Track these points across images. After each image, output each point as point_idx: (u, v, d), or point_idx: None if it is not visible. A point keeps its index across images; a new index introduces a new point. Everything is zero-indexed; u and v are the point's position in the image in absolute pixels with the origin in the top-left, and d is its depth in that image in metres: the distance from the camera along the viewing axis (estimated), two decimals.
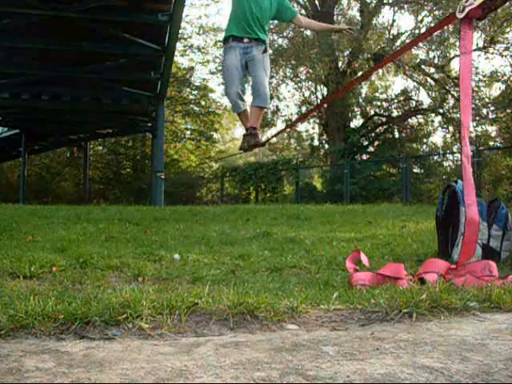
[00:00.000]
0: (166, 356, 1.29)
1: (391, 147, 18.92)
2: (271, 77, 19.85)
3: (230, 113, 28.64)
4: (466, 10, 2.37)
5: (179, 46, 23.97)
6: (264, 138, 4.62)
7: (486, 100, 17.22)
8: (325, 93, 20.04)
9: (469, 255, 2.47)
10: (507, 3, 2.82)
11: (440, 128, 19.81)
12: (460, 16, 2.41)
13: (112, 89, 16.78)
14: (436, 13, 16.33)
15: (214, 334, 1.51)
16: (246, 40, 4.17)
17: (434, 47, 17.36)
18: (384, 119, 20.30)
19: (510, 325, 1.57)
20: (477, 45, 16.92)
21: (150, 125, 19.88)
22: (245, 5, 4.18)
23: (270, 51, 17.60)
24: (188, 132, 29.39)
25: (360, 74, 19.45)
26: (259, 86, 4.17)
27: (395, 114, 20.13)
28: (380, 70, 20.50)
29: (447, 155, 17.25)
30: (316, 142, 22.30)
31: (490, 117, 17.12)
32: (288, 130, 21.88)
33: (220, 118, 28.42)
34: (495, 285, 1.97)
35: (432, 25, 16.79)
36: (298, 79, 19.95)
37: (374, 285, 2.33)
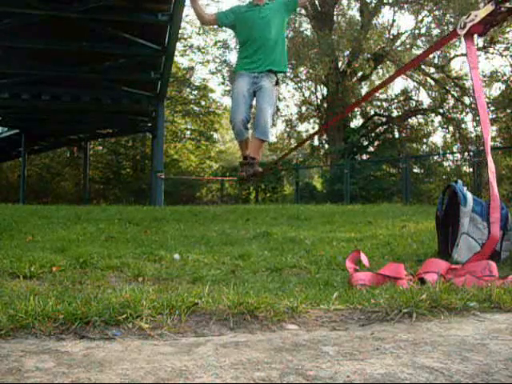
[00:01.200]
0: (166, 356, 1.29)
1: (391, 147, 18.93)
2: None
3: (230, 113, 28.59)
4: (468, 26, 2.36)
5: (179, 46, 24.02)
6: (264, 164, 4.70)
7: (486, 100, 17.21)
8: (325, 93, 20.05)
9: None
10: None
11: (440, 128, 19.83)
12: (462, 32, 2.40)
13: (112, 89, 16.79)
14: (436, 13, 16.34)
15: (214, 334, 1.51)
16: (256, 72, 4.14)
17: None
18: (384, 119, 20.32)
19: (510, 325, 1.57)
20: (477, 45, 16.90)
21: (150, 125, 19.89)
22: (251, 37, 4.12)
23: None
24: (188, 132, 29.40)
25: (360, 74, 19.47)
26: (260, 118, 4.11)
27: (395, 114, 20.16)
28: (380, 70, 20.51)
29: (447, 155, 17.26)
30: (316, 142, 22.33)
31: (490, 117, 17.12)
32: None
33: (220, 118, 28.43)
34: (495, 285, 1.97)
35: (432, 25, 16.83)
36: (298, 79, 19.95)
37: (374, 285, 2.33)
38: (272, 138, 26.20)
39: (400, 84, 49.45)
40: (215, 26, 26.27)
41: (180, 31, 15.83)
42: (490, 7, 2.24)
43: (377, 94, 21.16)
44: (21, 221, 6.05)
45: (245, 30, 4.20)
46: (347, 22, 19.26)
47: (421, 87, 19.41)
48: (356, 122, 20.78)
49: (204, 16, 4.29)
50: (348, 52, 18.63)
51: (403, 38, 18.07)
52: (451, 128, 18.78)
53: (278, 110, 21.54)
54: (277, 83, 4.24)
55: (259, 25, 4.11)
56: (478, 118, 17.09)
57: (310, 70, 18.63)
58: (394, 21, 19.04)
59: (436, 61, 18.09)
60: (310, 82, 20.76)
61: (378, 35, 18.19)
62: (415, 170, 16.26)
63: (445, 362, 1.22)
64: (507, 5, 2.22)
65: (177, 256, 3.55)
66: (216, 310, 1.65)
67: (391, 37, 18.41)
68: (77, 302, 1.64)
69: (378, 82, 21.45)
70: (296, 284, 2.60)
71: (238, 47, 4.45)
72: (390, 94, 20.87)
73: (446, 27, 16.33)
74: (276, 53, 4.18)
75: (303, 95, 21.25)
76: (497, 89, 18.14)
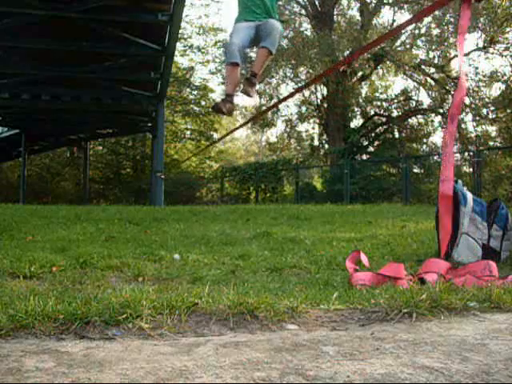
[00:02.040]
0: (166, 356, 1.29)
1: (391, 147, 18.92)
2: (271, 76, 19.85)
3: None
4: None
5: (179, 46, 24.00)
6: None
7: (486, 100, 17.22)
8: (325, 93, 20.04)
9: (447, 231, 2.53)
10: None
11: (440, 128, 19.82)
12: None
13: (112, 89, 16.79)
14: (436, 13, 16.32)
15: (214, 334, 1.51)
16: (257, 21, 4.14)
17: (434, 47, 17.37)
18: (384, 119, 20.30)
19: (510, 325, 1.57)
20: (477, 45, 16.93)
21: (150, 125, 19.89)
22: None
23: None
24: (188, 132, 29.40)
25: (360, 74, 19.47)
26: (272, 31, 3.97)
27: (395, 114, 20.14)
28: (380, 70, 20.50)
29: None
30: (316, 142, 22.31)
31: (490, 117, 17.12)
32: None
33: (220, 119, 28.42)
34: (495, 285, 1.97)
35: (432, 25, 16.82)
36: (298, 79, 19.95)
37: (374, 285, 2.33)
38: (272, 138, 26.21)
39: (400, 84, 49.46)
40: (215, 26, 26.28)
41: (180, 31, 15.82)
42: None
43: (377, 94, 21.16)
44: (21, 221, 6.05)
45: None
46: (347, 21, 19.26)
47: (421, 87, 19.40)
48: (356, 122, 20.78)
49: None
50: (348, 52, 18.62)
51: (403, 37, 18.06)
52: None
53: (277, 110, 21.55)
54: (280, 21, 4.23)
55: None
56: (477, 118, 17.10)
57: (310, 70, 18.62)
58: (394, 21, 19.00)
59: (436, 61, 18.09)
60: None
61: (377, 35, 18.17)
62: (415, 170, 16.25)
63: (445, 362, 1.22)
64: None
65: (177, 256, 3.55)
66: (216, 309, 1.65)
67: (390, 32, 18.38)
68: (77, 302, 1.64)
69: (378, 82, 21.46)
70: (296, 284, 2.60)
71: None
72: (390, 94, 20.87)
73: (446, 27, 16.34)
74: (272, 3, 4.23)
75: (303, 95, 21.24)
76: (497, 89, 18.12)
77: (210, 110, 4.58)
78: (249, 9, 4.18)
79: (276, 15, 4.27)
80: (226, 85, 4.27)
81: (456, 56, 18.19)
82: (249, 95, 4.17)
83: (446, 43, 16.93)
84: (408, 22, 4.27)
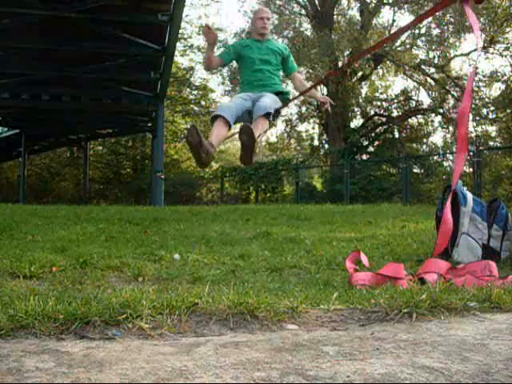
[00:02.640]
0: (166, 356, 1.29)
1: (391, 147, 18.92)
2: None
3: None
4: None
5: (179, 46, 23.99)
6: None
7: (486, 100, 17.21)
8: (325, 93, 20.03)
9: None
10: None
11: (440, 128, 19.82)
12: None
13: (112, 89, 16.79)
14: (436, 13, 16.32)
15: (214, 334, 1.51)
16: (255, 92, 4.04)
17: (434, 47, 17.36)
18: (384, 119, 20.30)
19: (510, 325, 1.56)
20: (477, 45, 16.89)
21: (150, 125, 19.88)
22: (251, 65, 4.10)
23: None
24: None
25: (360, 74, 19.46)
26: (261, 102, 3.81)
27: (395, 114, 20.13)
28: (380, 70, 20.50)
29: (447, 155, 17.25)
30: (316, 142, 22.31)
31: (490, 117, 17.12)
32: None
33: None
34: (495, 285, 1.97)
35: (432, 25, 16.82)
36: None
37: (374, 285, 2.33)
38: (272, 138, 26.21)
39: (400, 84, 49.42)
40: (215, 26, 26.29)
41: (180, 31, 15.83)
42: None
43: (377, 94, 21.16)
44: (21, 221, 6.04)
45: (247, 61, 4.19)
46: (347, 21, 19.25)
47: (421, 87, 19.40)
48: (356, 122, 20.78)
49: (213, 62, 4.24)
50: (348, 52, 18.62)
51: (403, 37, 18.05)
52: (451, 128, 18.77)
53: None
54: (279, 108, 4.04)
55: (262, 60, 4.12)
56: (478, 118, 17.09)
57: (310, 70, 18.62)
58: (394, 21, 19.00)
59: (436, 61, 18.09)
60: (310, 82, 20.76)
61: (377, 35, 18.18)
62: (415, 170, 16.24)
63: (445, 362, 1.22)
64: None
65: (177, 256, 3.55)
66: (216, 310, 1.65)
67: (391, 33, 18.39)
68: (77, 302, 1.64)
69: (378, 82, 21.45)
70: (296, 284, 2.60)
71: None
72: (390, 94, 20.87)
73: (446, 27, 16.34)
74: (274, 79, 4.16)
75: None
76: (497, 89, 18.11)
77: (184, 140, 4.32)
78: (249, 84, 4.12)
79: (278, 88, 4.14)
80: (210, 133, 3.81)
81: (456, 56, 18.21)
82: (208, 155, 3.58)
83: (446, 43, 16.92)
84: (410, 25, 4.27)
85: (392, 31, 18.60)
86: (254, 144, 3.52)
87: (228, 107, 3.83)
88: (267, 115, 3.76)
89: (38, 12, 12.09)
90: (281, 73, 4.29)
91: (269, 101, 3.86)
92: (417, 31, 17.35)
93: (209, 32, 3.96)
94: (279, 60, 4.23)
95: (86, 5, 11.91)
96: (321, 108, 4.44)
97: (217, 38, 4.16)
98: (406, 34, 18.23)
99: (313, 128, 22.89)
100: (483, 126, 17.72)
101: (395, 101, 20.06)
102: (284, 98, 4.15)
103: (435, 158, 17.17)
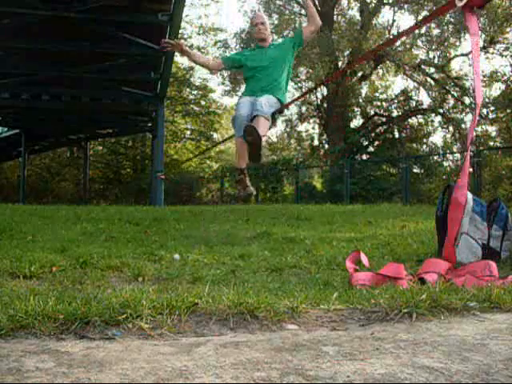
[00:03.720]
0: (166, 356, 1.29)
1: (391, 147, 18.92)
2: None
3: (230, 113, 28.66)
4: None
5: None
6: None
7: (486, 100, 17.21)
8: (325, 93, 20.04)
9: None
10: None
11: (440, 128, 19.82)
12: (459, 4, 2.36)
13: (112, 89, 16.79)
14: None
15: (213, 334, 1.51)
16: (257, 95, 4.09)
17: (433, 47, 17.36)
18: (384, 119, 20.30)
19: (510, 325, 1.56)
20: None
21: (150, 125, 19.89)
22: (253, 73, 4.17)
23: None
24: (188, 132, 29.39)
25: (360, 74, 19.47)
26: (259, 102, 3.90)
27: (395, 114, 20.14)
28: (380, 70, 20.50)
29: (447, 155, 17.26)
30: (316, 142, 22.31)
31: (490, 117, 17.11)
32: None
33: (220, 118, 28.42)
34: (495, 285, 1.97)
35: (432, 25, 16.81)
36: (298, 79, 19.95)
37: (374, 285, 2.33)
38: (272, 138, 26.23)
39: (400, 84, 49.41)
40: (215, 26, 26.32)
41: (180, 31, 15.84)
42: None
43: (377, 94, 21.16)
44: (21, 221, 6.04)
45: (250, 71, 4.26)
46: (347, 22, 19.25)
47: (421, 87, 19.39)
48: (356, 122, 20.78)
49: (208, 64, 4.38)
50: (348, 52, 18.62)
51: (403, 37, 18.04)
52: (451, 128, 18.78)
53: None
54: (280, 111, 4.14)
55: (263, 67, 4.17)
56: (477, 118, 17.08)
57: (310, 70, 18.62)
58: (394, 21, 19.01)
59: (436, 61, 18.09)
60: (310, 82, 20.75)
61: (377, 35, 18.18)
62: (415, 170, 16.24)
63: (445, 362, 1.22)
64: None
65: (177, 256, 3.55)
66: (216, 310, 1.65)
67: (391, 37, 18.39)
68: (77, 302, 1.64)
69: (378, 82, 21.45)
70: (296, 284, 2.60)
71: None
72: (390, 94, 20.88)
73: (446, 27, 16.34)
74: (278, 77, 4.17)
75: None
76: (497, 89, 18.12)
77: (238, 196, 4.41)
78: (251, 90, 4.17)
79: (279, 94, 4.13)
80: (236, 158, 4.11)
81: (456, 56, 18.21)
82: (250, 195, 4.04)
83: (446, 43, 16.92)
84: (413, 28, 4.26)
85: (392, 31, 18.61)
86: (260, 141, 3.69)
87: (244, 119, 3.94)
88: (266, 114, 3.86)
89: (37, 12, 12.09)
90: (285, 76, 4.26)
91: (267, 101, 3.92)
92: (417, 31, 17.34)
93: (172, 47, 4.12)
94: (287, 58, 4.22)
95: (86, 5, 11.91)
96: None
97: (182, 44, 4.28)
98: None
99: (313, 128, 22.93)
100: (483, 126, 17.73)
101: (395, 101, 20.06)
102: (281, 101, 4.17)
103: (435, 157, 17.17)
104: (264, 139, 3.84)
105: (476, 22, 2.52)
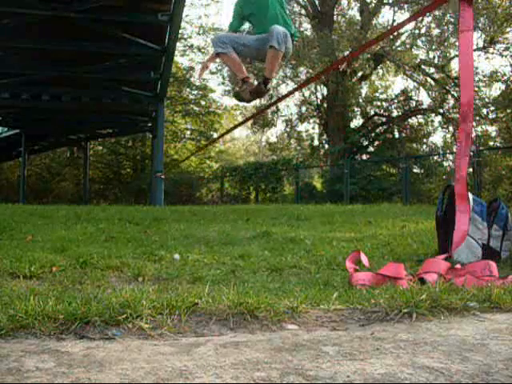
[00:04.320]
0: (166, 356, 1.29)
1: (391, 147, 18.92)
2: None
3: (229, 113, 28.69)
4: None
5: (179, 46, 24.01)
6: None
7: (486, 100, 17.21)
8: (325, 93, 20.05)
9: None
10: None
11: (440, 128, 19.83)
12: None
13: (112, 89, 16.79)
14: (436, 13, 16.33)
15: (213, 334, 1.51)
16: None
17: (434, 47, 17.36)
18: (384, 119, 20.30)
19: (510, 325, 1.57)
20: (477, 45, 16.93)
21: (150, 125, 19.90)
22: (251, 14, 4.22)
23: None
24: (188, 132, 29.40)
25: (360, 74, 19.46)
26: (274, 30, 3.89)
27: (395, 114, 20.14)
28: (380, 70, 20.50)
29: (447, 155, 17.25)
30: (316, 142, 22.32)
31: (490, 117, 17.11)
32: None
33: (220, 118, 28.44)
34: (495, 285, 1.97)
35: (432, 25, 16.82)
36: (298, 79, 19.95)
37: (374, 285, 2.33)
38: (272, 138, 26.24)
39: (400, 84, 49.43)
40: (215, 26, 26.28)
41: (180, 31, 15.84)
42: None
43: (377, 94, 21.15)
44: (21, 221, 6.04)
45: (251, 16, 4.30)
46: (347, 22, 19.25)
47: (421, 87, 19.40)
48: (356, 122, 20.78)
49: (235, 59, 4.25)
50: (348, 52, 18.61)
51: (403, 37, 18.06)
52: (451, 128, 18.77)
53: (277, 110, 21.52)
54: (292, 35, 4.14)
55: (260, 7, 4.19)
56: (477, 118, 17.09)
57: (310, 70, 18.62)
58: (394, 21, 19.00)
59: (436, 61, 18.09)
60: None
61: (378, 35, 18.16)
62: (415, 170, 16.24)
63: (445, 362, 1.22)
64: None
65: (177, 256, 3.55)
66: (216, 310, 1.65)
67: (391, 37, 18.39)
68: (77, 302, 1.64)
69: (378, 82, 21.45)
70: (296, 284, 2.60)
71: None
72: (390, 94, 20.88)
73: (446, 27, 16.34)
74: (279, 16, 4.18)
75: (303, 95, 21.25)
76: (497, 89, 18.11)
77: (234, 98, 4.48)
78: (256, 28, 4.22)
79: (280, 22, 4.13)
80: (235, 73, 4.19)
81: (456, 56, 18.19)
82: (259, 92, 4.09)
83: (446, 43, 16.92)
84: (406, 21, 4.25)
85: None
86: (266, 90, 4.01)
87: (223, 38, 4.07)
88: (275, 48, 3.90)
89: (37, 12, 12.10)
90: (281, 7, 4.24)
91: (275, 31, 3.90)
92: (417, 31, 17.35)
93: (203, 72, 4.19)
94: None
95: (85, 5, 11.91)
96: None
97: (206, 66, 4.50)
98: (406, 34, 18.24)
99: (313, 128, 22.93)
100: (483, 126, 17.73)
101: (395, 101, 20.06)
102: (294, 36, 4.19)
103: (435, 157, 17.17)
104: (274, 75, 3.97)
105: (472, 15, 2.50)
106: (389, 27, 18.65)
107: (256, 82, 4.14)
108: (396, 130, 20.05)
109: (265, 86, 4.05)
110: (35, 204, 14.33)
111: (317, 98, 20.98)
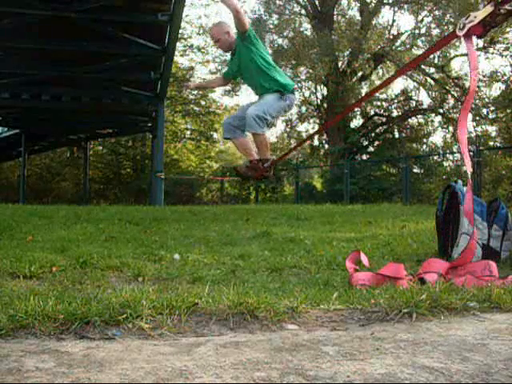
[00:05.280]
0: (166, 356, 1.29)
1: (391, 147, 18.93)
2: None
3: (229, 113, 28.68)
4: (467, 27, 2.33)
5: (179, 45, 24.01)
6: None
7: (486, 100, 17.22)
8: (325, 93, 20.04)
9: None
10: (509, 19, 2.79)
11: (440, 128, 19.84)
12: (461, 34, 2.37)
13: (112, 89, 16.79)
14: (436, 13, 16.34)
15: (214, 334, 1.51)
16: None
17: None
18: (384, 119, 20.31)
19: (510, 325, 1.57)
20: (477, 45, 16.92)
21: (150, 125, 19.89)
22: (238, 75, 4.51)
23: (271, 51, 17.59)
24: (188, 132, 29.41)
25: (360, 74, 19.46)
26: (246, 115, 4.20)
27: (395, 114, 20.15)
28: (380, 70, 20.50)
29: (447, 155, 17.26)
30: (316, 142, 22.32)
31: (490, 117, 17.12)
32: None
33: (220, 118, 28.42)
34: (495, 285, 1.97)
35: (432, 25, 16.82)
36: (298, 79, 19.96)
37: (374, 285, 2.33)
38: (272, 138, 26.23)
39: (400, 84, 49.41)
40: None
41: (180, 31, 15.83)
42: (489, 8, 2.23)
43: (377, 94, 21.15)
44: (21, 221, 6.04)
45: (239, 76, 4.62)
46: (347, 22, 19.26)
47: (421, 87, 19.41)
48: (356, 122, 20.79)
49: (218, 83, 4.93)
50: (348, 52, 18.62)
51: (403, 37, 18.07)
52: (451, 128, 18.78)
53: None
54: (280, 94, 4.30)
55: (243, 69, 4.41)
56: (477, 118, 17.11)
57: (310, 70, 18.63)
58: (394, 21, 19.06)
59: (436, 61, 18.09)
60: (310, 82, 20.76)
61: (377, 35, 18.19)
62: (415, 170, 16.24)
63: (445, 362, 1.22)
64: (507, 7, 2.20)
65: (177, 256, 3.55)
66: (216, 310, 1.65)
67: (391, 37, 18.41)
68: (77, 302, 1.64)
69: (378, 82, 21.43)
70: (296, 284, 2.60)
71: None
72: (390, 94, 20.88)
73: (445, 27, 16.34)
74: (265, 77, 4.29)
75: (303, 95, 21.26)
76: (497, 89, 18.12)
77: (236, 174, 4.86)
78: (250, 87, 4.53)
79: (274, 83, 4.26)
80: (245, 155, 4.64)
81: (456, 56, 18.21)
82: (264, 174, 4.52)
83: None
84: (415, 62, 4.28)
85: (392, 31, 18.61)
86: (270, 171, 4.52)
87: (227, 125, 4.45)
88: (251, 132, 4.28)
89: (37, 12, 12.09)
90: (263, 62, 4.31)
91: (251, 112, 4.19)
92: (417, 31, 17.35)
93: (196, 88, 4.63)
94: (250, 51, 4.26)
95: (85, 5, 11.91)
96: None
97: (189, 86, 5.09)
98: (405, 34, 18.25)
99: (313, 128, 22.92)
100: (483, 126, 17.73)
101: (395, 101, 20.07)
102: (288, 88, 4.29)
103: (435, 157, 17.17)
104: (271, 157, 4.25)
105: (475, 55, 2.52)
106: (389, 27, 18.67)
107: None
108: (396, 130, 20.06)
109: (262, 164, 4.31)
110: (35, 204, 14.32)
111: (317, 97, 20.99)
